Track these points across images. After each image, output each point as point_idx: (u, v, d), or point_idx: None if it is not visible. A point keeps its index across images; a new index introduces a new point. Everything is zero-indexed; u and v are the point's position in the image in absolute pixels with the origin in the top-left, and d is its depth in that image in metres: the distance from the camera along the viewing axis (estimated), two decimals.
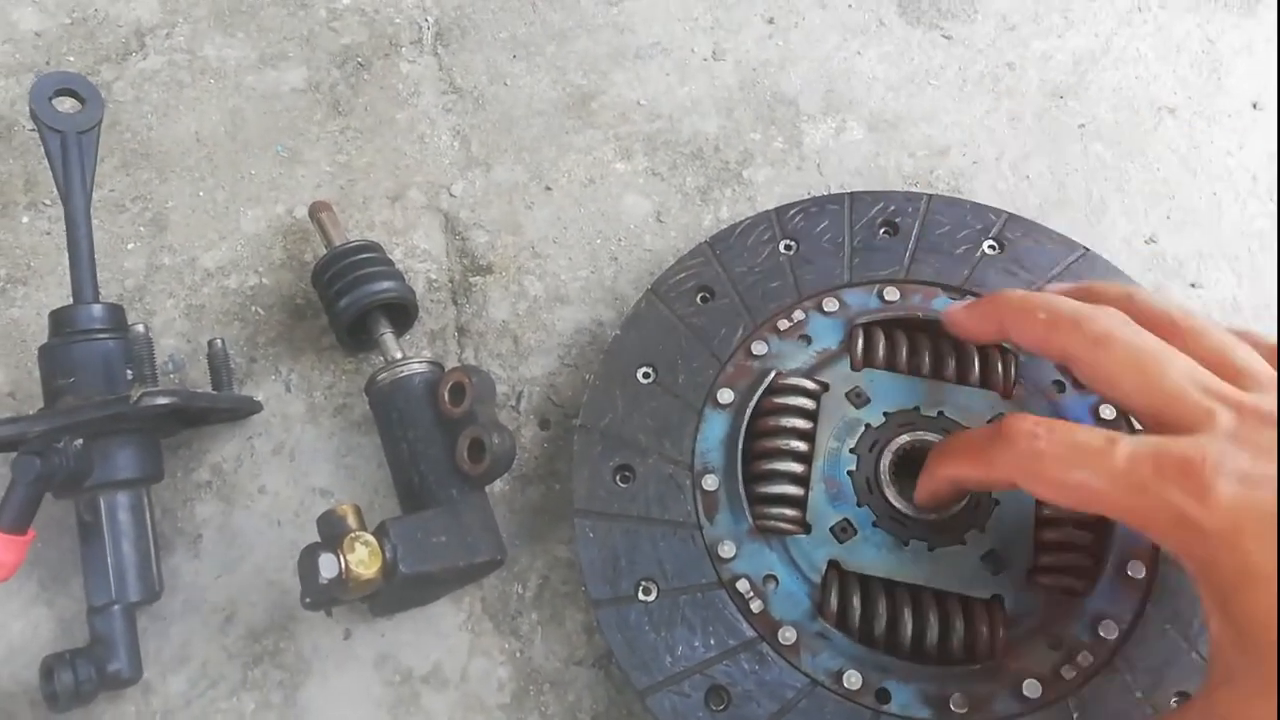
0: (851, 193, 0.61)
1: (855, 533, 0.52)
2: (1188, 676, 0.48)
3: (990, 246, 0.59)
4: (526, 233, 0.65)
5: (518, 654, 0.55)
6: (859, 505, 0.52)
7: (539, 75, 0.70)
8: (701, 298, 0.58)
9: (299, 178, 0.66)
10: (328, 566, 0.47)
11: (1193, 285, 0.64)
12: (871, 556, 0.51)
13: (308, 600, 0.48)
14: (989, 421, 0.53)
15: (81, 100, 0.58)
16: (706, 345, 0.57)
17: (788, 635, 0.50)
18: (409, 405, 0.54)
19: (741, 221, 0.60)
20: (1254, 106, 0.70)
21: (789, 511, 0.52)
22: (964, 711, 0.48)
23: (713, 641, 0.50)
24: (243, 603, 0.55)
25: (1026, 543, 0.51)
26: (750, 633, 0.50)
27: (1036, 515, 0.51)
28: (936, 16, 0.72)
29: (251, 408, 0.58)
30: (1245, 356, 0.44)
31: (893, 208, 0.60)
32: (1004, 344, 0.54)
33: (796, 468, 0.53)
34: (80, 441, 0.51)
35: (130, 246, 0.64)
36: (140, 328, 0.55)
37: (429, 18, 0.72)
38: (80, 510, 0.53)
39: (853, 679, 0.49)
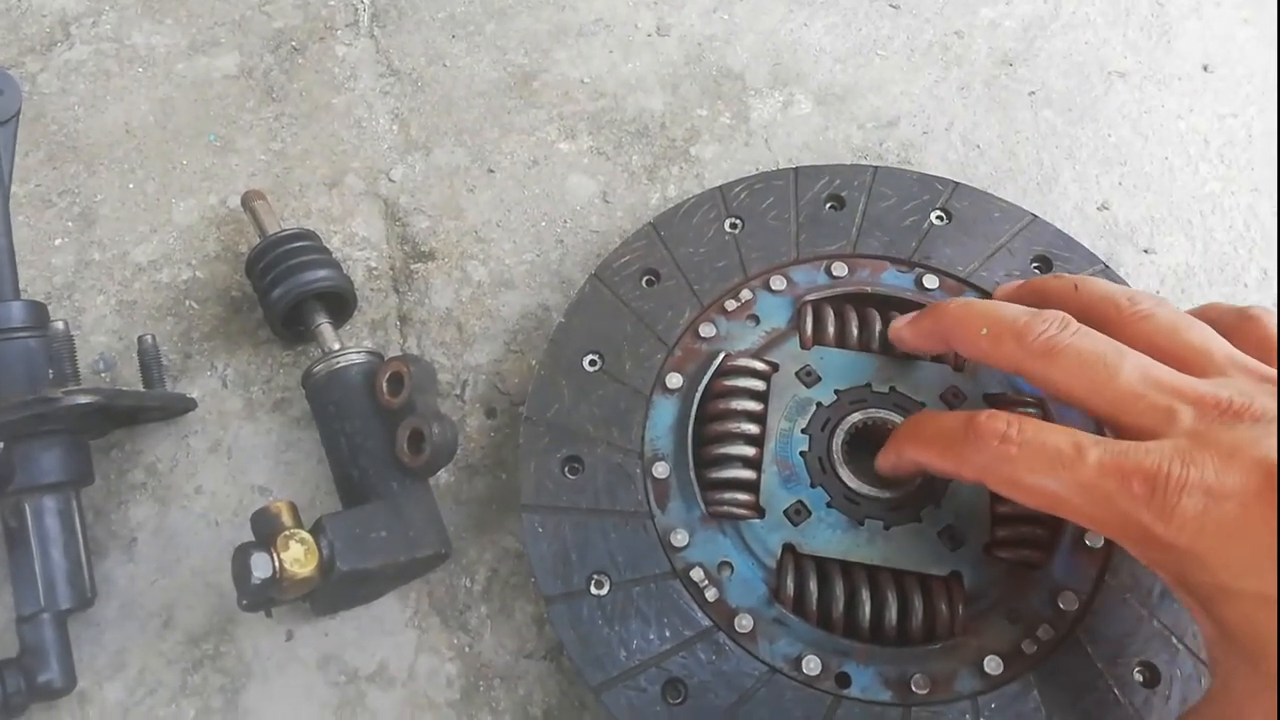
0: (797, 168, 0.59)
1: (809, 515, 0.51)
2: (1149, 645, 0.48)
3: (938, 217, 0.58)
4: (469, 217, 0.64)
5: (466, 649, 0.53)
6: (812, 486, 0.51)
7: (479, 55, 0.69)
8: (647, 281, 0.57)
9: (232, 167, 0.64)
10: (260, 566, 0.45)
11: (1146, 251, 0.63)
12: (827, 538, 0.50)
13: (244, 602, 0.47)
14: (941, 397, 0.52)
15: None
16: (653, 330, 0.55)
17: (744, 623, 0.49)
18: (346, 397, 0.53)
19: (686, 201, 0.59)
20: (1204, 69, 0.69)
21: (741, 496, 0.51)
22: (925, 692, 0.48)
23: (668, 633, 0.49)
24: (180, 606, 0.54)
25: (983, 516, 0.50)
26: (706, 622, 0.49)
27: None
28: None
29: (184, 405, 0.57)
30: (1199, 337, 0.43)
31: (838, 181, 0.58)
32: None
33: (748, 450, 0.52)
34: (1, 445, 0.49)
35: (58, 242, 0.62)
36: (60, 325, 0.53)
37: None
38: (5, 516, 0.51)
39: (812, 664, 0.48)
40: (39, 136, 0.65)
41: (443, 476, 0.56)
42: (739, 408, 0.52)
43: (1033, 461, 0.41)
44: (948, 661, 0.48)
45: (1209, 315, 0.46)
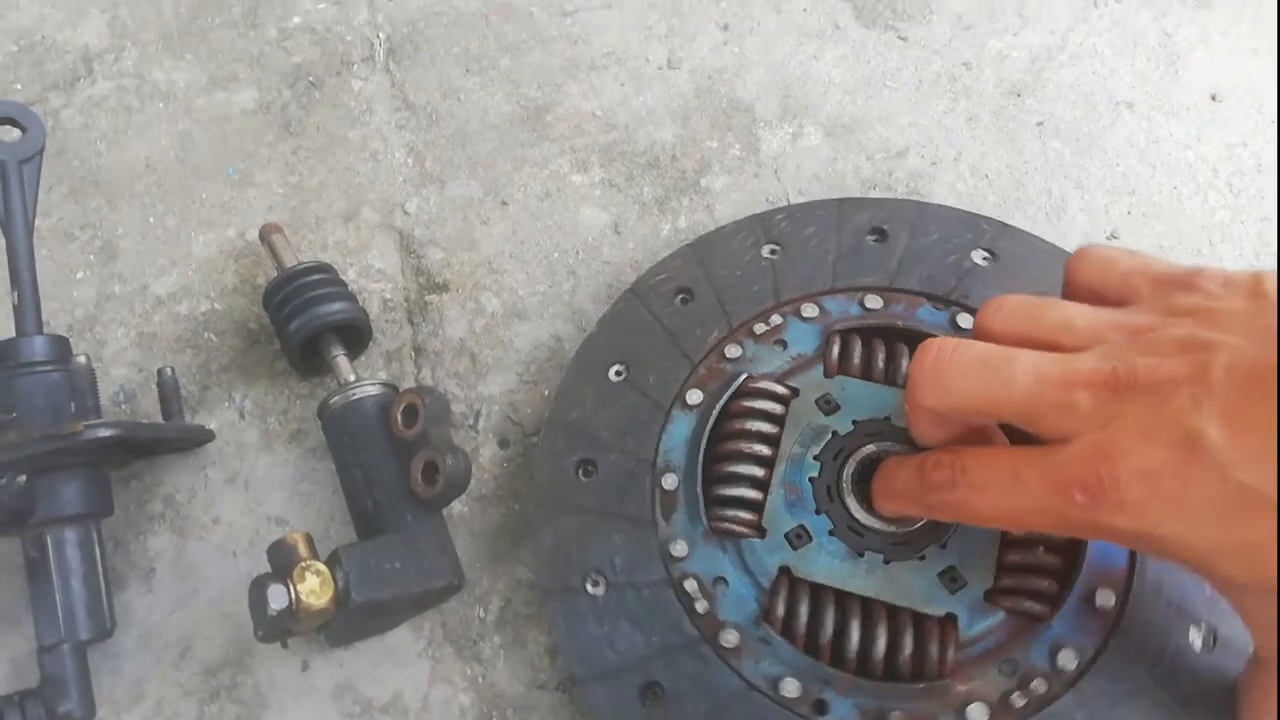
0: (841, 199, 0.60)
1: (810, 540, 0.51)
2: (1141, 716, 0.47)
3: (983, 257, 0.58)
4: (483, 249, 0.64)
5: (480, 679, 0.54)
6: (818, 513, 0.51)
7: (492, 89, 0.70)
8: (681, 299, 0.58)
9: (250, 200, 0.66)
10: (277, 597, 0.46)
11: None
12: (825, 565, 0.50)
13: (260, 633, 0.47)
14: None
15: (22, 128, 0.57)
16: (680, 346, 0.56)
17: (730, 638, 0.49)
18: (361, 428, 0.53)
19: (725, 225, 0.60)
20: (1212, 99, 0.69)
21: (744, 514, 0.51)
22: None
23: (655, 639, 0.49)
24: (198, 637, 0.54)
25: (989, 562, 0.50)
26: (693, 632, 0.49)
27: (1002, 535, 0.50)
28: (892, 18, 0.72)
29: (203, 436, 0.57)
30: (1055, 313, 0.43)
31: (883, 214, 0.59)
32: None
33: (757, 471, 0.52)
34: (23, 477, 0.49)
35: (80, 275, 0.63)
36: (83, 359, 0.54)
37: (380, 34, 0.71)
38: (27, 548, 0.52)
39: (790, 687, 0.48)
40: (62, 171, 0.66)
41: (456, 507, 0.57)
42: (753, 428, 0.53)
43: (983, 497, 0.42)
44: (930, 703, 0.48)
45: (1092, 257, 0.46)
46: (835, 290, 0.57)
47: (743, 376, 0.54)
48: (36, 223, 0.57)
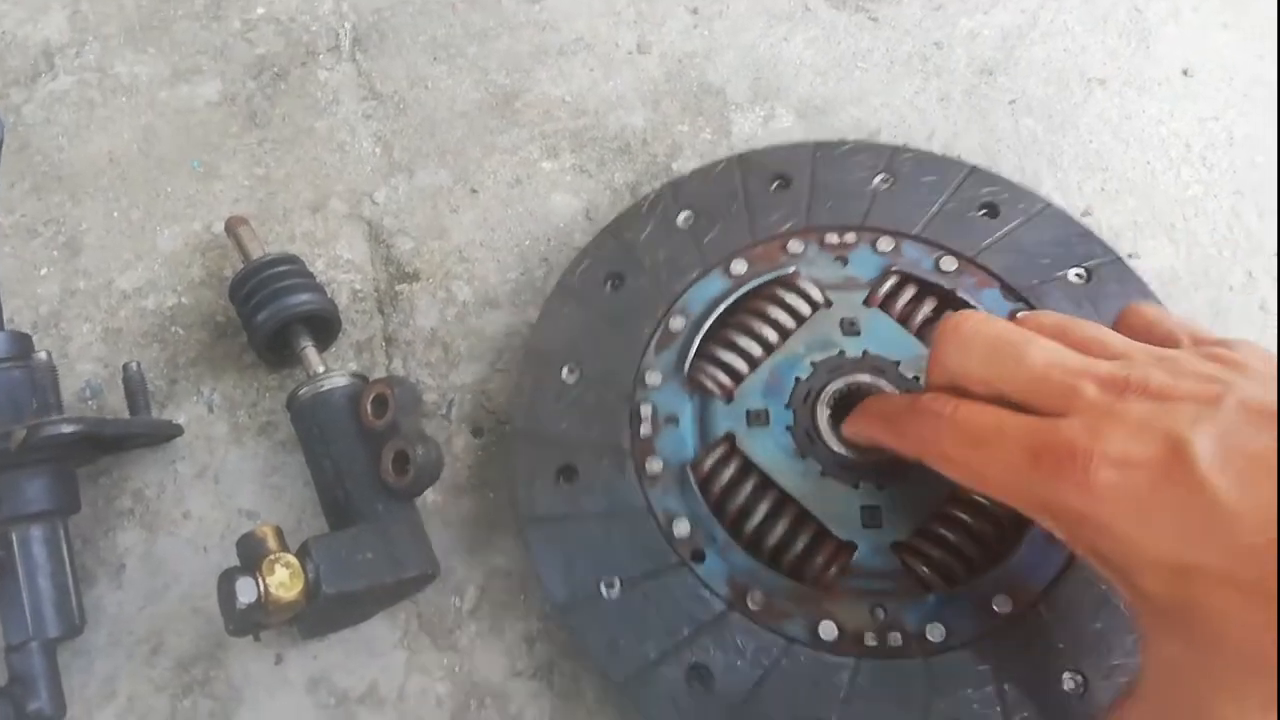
0: (974, 167, 0.60)
1: (766, 425, 0.52)
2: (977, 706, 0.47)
3: (1076, 275, 0.57)
4: (453, 237, 0.64)
5: (456, 669, 0.53)
6: (786, 406, 0.53)
7: (461, 77, 0.69)
8: (778, 184, 0.59)
9: (216, 193, 0.65)
10: (245, 591, 0.45)
11: (1130, 255, 0.63)
12: (767, 450, 0.52)
13: (230, 627, 0.47)
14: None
15: None
16: (753, 220, 0.58)
17: (654, 466, 0.52)
18: (331, 420, 0.53)
19: (857, 141, 0.61)
20: (1184, 74, 0.69)
21: (723, 377, 0.54)
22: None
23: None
24: (169, 632, 0.54)
25: (912, 522, 0.50)
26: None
27: (936, 509, 0.51)
28: None
29: (170, 431, 0.57)
30: (1093, 329, 0.44)
31: (1000, 193, 0.59)
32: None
33: (755, 348, 0.54)
34: None
35: (43, 272, 0.62)
36: (43, 355, 0.53)
37: (346, 24, 0.71)
38: None
39: (681, 528, 0.51)
40: (24, 167, 0.65)
41: (430, 496, 0.56)
42: (772, 314, 0.55)
43: (959, 437, 0.42)
44: (792, 603, 0.49)
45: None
46: (919, 239, 0.57)
47: (790, 269, 0.56)
48: None
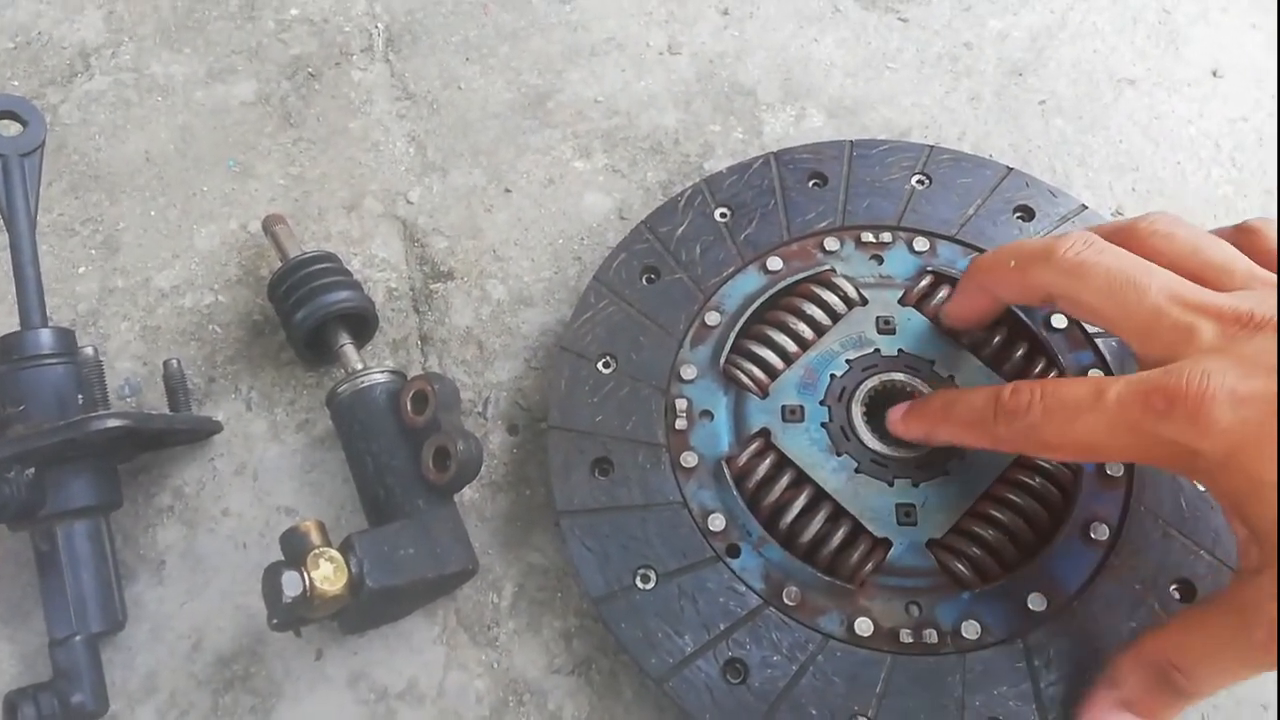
0: (1011, 169, 0.60)
1: (801, 421, 0.53)
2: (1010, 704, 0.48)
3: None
4: (487, 236, 0.64)
5: (495, 665, 0.53)
6: (821, 403, 0.53)
7: (493, 77, 0.69)
8: (815, 182, 0.60)
9: (252, 192, 0.65)
10: (291, 585, 0.45)
11: None
12: (802, 446, 0.52)
13: (274, 621, 0.47)
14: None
15: (23, 122, 0.57)
16: (788, 218, 0.58)
17: (689, 459, 0.52)
18: (371, 416, 0.53)
19: (892, 142, 0.61)
20: (1213, 74, 0.69)
21: (758, 372, 0.54)
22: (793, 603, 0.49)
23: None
24: (210, 628, 0.54)
25: (948, 519, 0.50)
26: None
27: (974, 507, 0.51)
28: (891, 0, 0.72)
29: (211, 428, 0.57)
30: (1220, 253, 0.44)
31: (1032, 197, 0.59)
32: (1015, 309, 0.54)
33: (790, 344, 0.55)
34: (31, 471, 0.49)
35: (82, 270, 0.63)
36: (89, 350, 0.53)
37: (379, 24, 0.71)
38: (36, 541, 0.51)
39: (717, 522, 0.51)
40: (61, 167, 0.66)
41: (467, 493, 0.57)
42: (808, 311, 0.55)
43: (1058, 419, 0.42)
44: (828, 598, 0.49)
45: (1236, 233, 0.47)
46: (955, 239, 0.58)
47: (825, 267, 0.56)
48: (38, 218, 0.57)
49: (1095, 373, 0.53)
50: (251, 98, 0.68)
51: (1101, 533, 0.50)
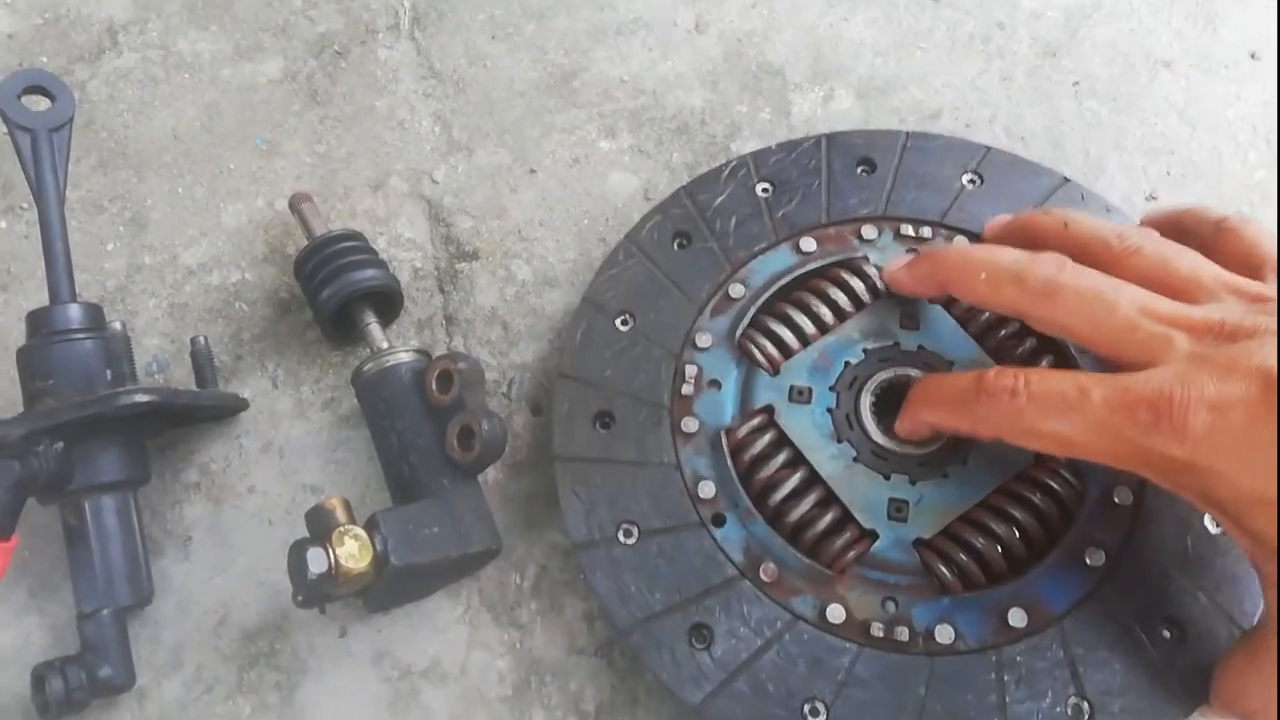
0: (1066, 178, 0.59)
1: (808, 403, 0.53)
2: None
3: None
4: (512, 216, 0.64)
5: (517, 645, 0.53)
6: (831, 389, 0.53)
7: (519, 56, 0.69)
8: (864, 169, 0.59)
9: (279, 170, 0.65)
10: (316, 561, 0.45)
11: None
12: (803, 427, 0.52)
13: (299, 598, 0.47)
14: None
15: (51, 97, 0.57)
16: (830, 202, 0.58)
17: (690, 425, 0.53)
18: (396, 395, 0.53)
19: (944, 137, 0.61)
20: (1252, 56, 0.68)
21: (772, 349, 0.54)
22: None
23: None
24: (235, 604, 0.54)
25: (940, 520, 0.50)
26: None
27: (968, 513, 0.50)
28: None
29: (237, 405, 0.57)
30: (1188, 264, 0.44)
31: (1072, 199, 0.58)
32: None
33: (809, 326, 0.54)
34: (60, 444, 0.49)
35: (110, 247, 0.63)
36: (118, 325, 0.53)
37: (405, 2, 0.71)
38: (65, 515, 0.52)
39: (706, 489, 0.51)
40: (89, 143, 0.66)
41: (490, 473, 0.57)
42: (833, 295, 0.55)
43: (1042, 410, 0.42)
44: (805, 581, 0.49)
45: (1187, 223, 0.48)
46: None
47: (859, 254, 0.56)
48: (66, 194, 0.57)
49: None
50: (278, 76, 0.68)
51: (1098, 559, 0.49)
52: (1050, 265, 0.45)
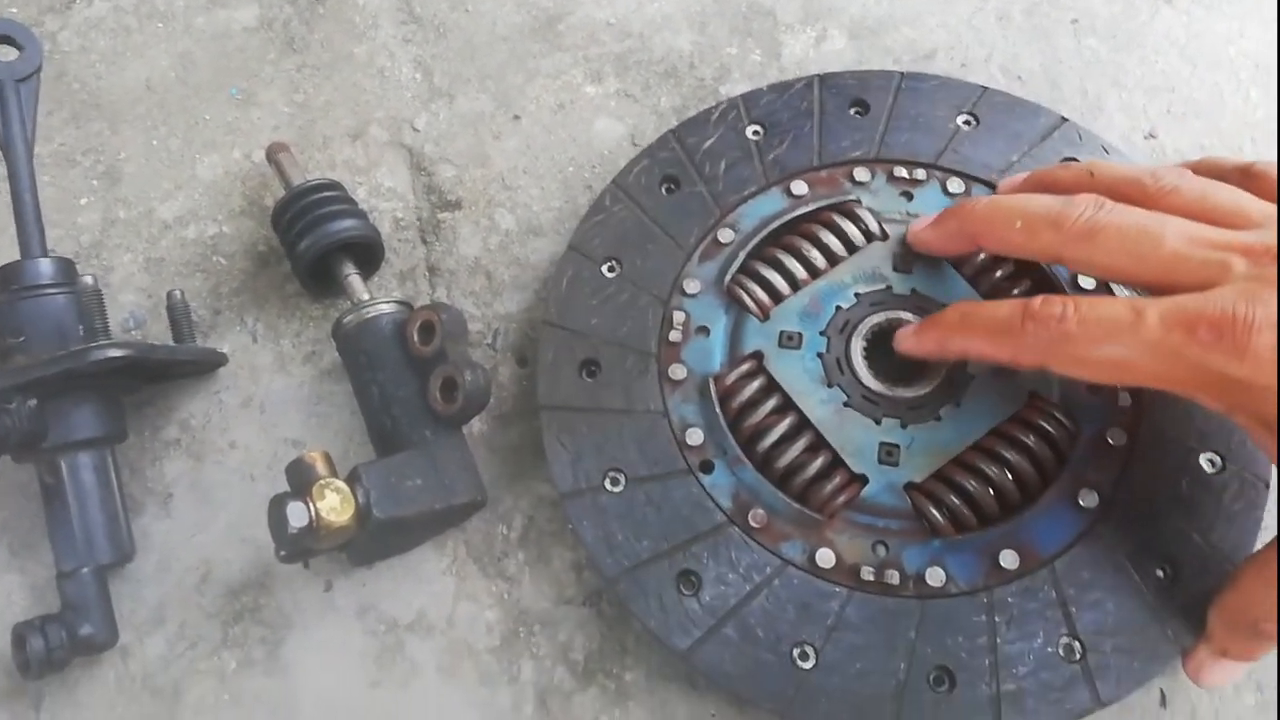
0: (1064, 119, 0.57)
1: (798, 348, 0.52)
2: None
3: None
4: (495, 164, 0.62)
5: (505, 596, 0.53)
6: (821, 333, 0.52)
7: None
8: (857, 110, 0.57)
9: (255, 120, 0.64)
10: (297, 515, 0.45)
11: None
12: (793, 373, 0.51)
13: (281, 553, 0.47)
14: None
15: (19, 47, 0.55)
16: (821, 144, 0.56)
17: (678, 372, 0.52)
18: (377, 347, 0.52)
19: (938, 77, 0.59)
20: None
21: (762, 294, 0.53)
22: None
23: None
24: (218, 560, 0.53)
25: (931, 464, 0.49)
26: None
27: (960, 456, 0.49)
28: None
29: (215, 359, 0.56)
30: (1228, 197, 0.43)
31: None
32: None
33: (800, 270, 0.53)
34: (34, 401, 0.48)
35: (84, 201, 0.62)
36: (89, 279, 0.52)
37: None
38: (42, 473, 0.51)
39: (694, 436, 0.50)
40: (61, 95, 0.64)
41: (476, 425, 0.56)
42: (825, 239, 0.53)
43: (1093, 333, 0.41)
44: (794, 526, 0.49)
45: (1208, 169, 0.46)
46: (994, 185, 0.55)
47: (850, 197, 0.55)
48: (37, 149, 0.56)
49: None
50: (254, 23, 0.66)
51: (1091, 500, 0.48)
52: (1089, 205, 0.43)
